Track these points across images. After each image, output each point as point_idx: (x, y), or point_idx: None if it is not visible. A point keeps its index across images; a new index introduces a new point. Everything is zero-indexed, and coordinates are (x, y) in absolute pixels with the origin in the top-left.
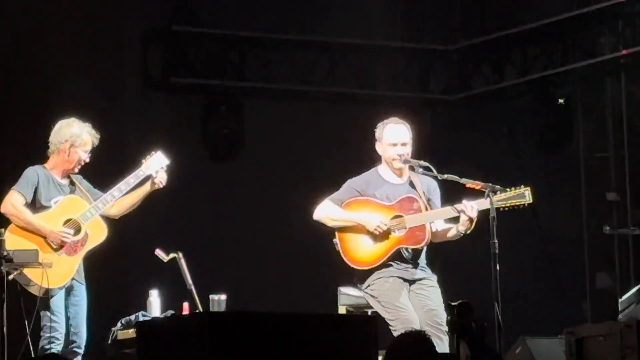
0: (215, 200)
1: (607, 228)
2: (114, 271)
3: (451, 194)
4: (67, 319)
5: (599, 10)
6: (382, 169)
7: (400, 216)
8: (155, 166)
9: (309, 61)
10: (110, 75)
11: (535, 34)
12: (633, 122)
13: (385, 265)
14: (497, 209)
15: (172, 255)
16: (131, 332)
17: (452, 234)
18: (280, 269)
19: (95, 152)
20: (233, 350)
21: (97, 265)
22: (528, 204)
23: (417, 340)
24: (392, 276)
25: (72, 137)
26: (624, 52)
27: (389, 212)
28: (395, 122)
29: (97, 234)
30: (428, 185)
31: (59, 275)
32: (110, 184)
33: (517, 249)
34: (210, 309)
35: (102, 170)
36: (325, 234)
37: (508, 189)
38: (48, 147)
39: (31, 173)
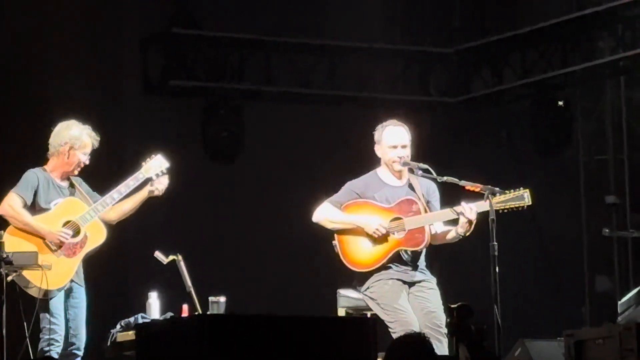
0: (215, 203)
1: (607, 231)
2: (114, 273)
3: (450, 196)
4: (67, 321)
5: (598, 14)
6: (381, 171)
7: (400, 218)
8: (156, 169)
9: (309, 64)
10: (109, 78)
11: (534, 37)
12: (632, 125)
13: (384, 267)
14: (497, 211)
15: (171, 257)
16: (130, 334)
17: (451, 236)
18: (280, 271)
19: (94, 154)
20: (232, 352)
21: (96, 267)
22: (527, 205)
23: (416, 343)
24: (392, 278)
25: (72, 139)
26: None
27: (388, 215)
28: (395, 124)
29: (96, 236)
30: (427, 187)
31: (58, 276)
32: (110, 186)
33: (517, 251)
34: (210, 311)
35: (102, 173)
36: (325, 236)
37: (507, 191)
38: (48, 149)
39: (31, 176)
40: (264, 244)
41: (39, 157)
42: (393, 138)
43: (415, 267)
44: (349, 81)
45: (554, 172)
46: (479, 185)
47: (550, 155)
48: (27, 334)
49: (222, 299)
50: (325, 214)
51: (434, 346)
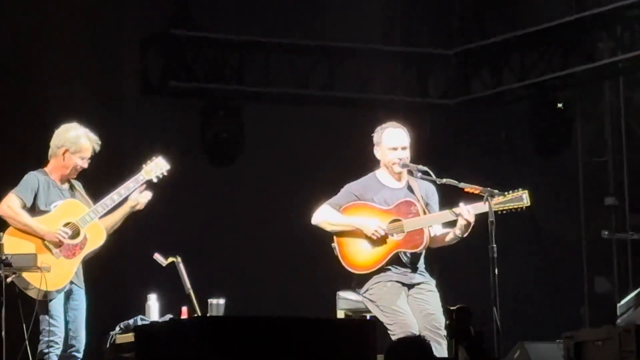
0: (214, 205)
1: (606, 232)
2: (113, 275)
3: (449, 198)
4: (66, 323)
5: (597, 15)
6: (380, 173)
7: (398, 220)
8: (156, 171)
9: (308, 65)
10: (109, 79)
11: (534, 39)
12: (631, 126)
13: (383, 269)
14: (495, 212)
15: (170, 259)
16: (130, 336)
17: (449, 238)
18: (279, 273)
19: (93, 156)
20: (232, 354)
21: (95, 269)
22: (526, 206)
23: (416, 345)
24: (391, 280)
25: (68, 142)
26: None
27: (387, 217)
28: (394, 126)
29: (96, 238)
30: (426, 189)
31: (57, 278)
32: (108, 187)
33: (516, 253)
34: (209, 313)
35: (100, 174)
36: (324, 238)
37: (506, 192)
38: (48, 151)
39: (31, 178)
40: (264, 245)
41: (38, 158)
42: (393, 140)
43: (414, 269)
44: (348, 83)
45: (553, 173)
46: (478, 187)
47: (549, 156)
48: (26, 336)
49: (222, 301)
50: (324, 216)
51: (433, 348)
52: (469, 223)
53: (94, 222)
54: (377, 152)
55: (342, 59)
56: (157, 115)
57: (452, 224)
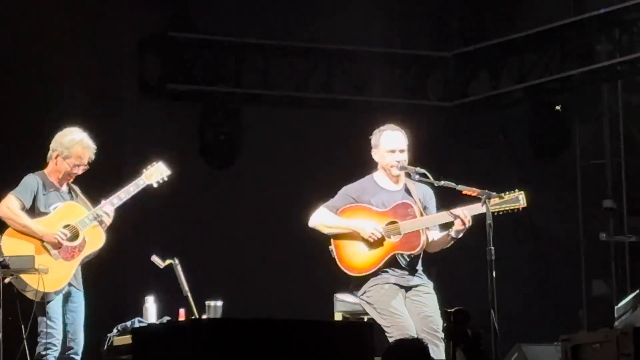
0: (212, 207)
1: (604, 235)
2: (111, 277)
3: (448, 200)
4: (65, 325)
5: (596, 18)
6: (378, 175)
7: (395, 222)
8: (157, 176)
9: (306, 68)
10: (107, 82)
11: (532, 41)
12: (629, 129)
13: (381, 271)
14: (493, 213)
15: (168, 261)
16: (127, 339)
17: (446, 240)
18: (277, 275)
19: (91, 162)
20: (229, 356)
21: (93, 271)
22: (523, 207)
23: (413, 347)
24: (388, 283)
25: (60, 147)
26: None
27: (384, 219)
28: (392, 128)
29: (94, 241)
30: (424, 193)
31: (55, 279)
32: (107, 188)
33: (514, 255)
34: (207, 315)
35: (99, 176)
36: (322, 240)
37: (502, 194)
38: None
39: (30, 180)
40: (261, 247)
41: (38, 159)
42: (391, 142)
43: (412, 272)
44: (347, 85)
45: (551, 176)
46: (476, 189)
47: (547, 159)
48: (24, 338)
49: (219, 303)
50: (321, 218)
51: (431, 351)
52: (464, 225)
53: (93, 225)
54: (375, 155)
55: (340, 62)
56: (156, 117)
57: (448, 226)
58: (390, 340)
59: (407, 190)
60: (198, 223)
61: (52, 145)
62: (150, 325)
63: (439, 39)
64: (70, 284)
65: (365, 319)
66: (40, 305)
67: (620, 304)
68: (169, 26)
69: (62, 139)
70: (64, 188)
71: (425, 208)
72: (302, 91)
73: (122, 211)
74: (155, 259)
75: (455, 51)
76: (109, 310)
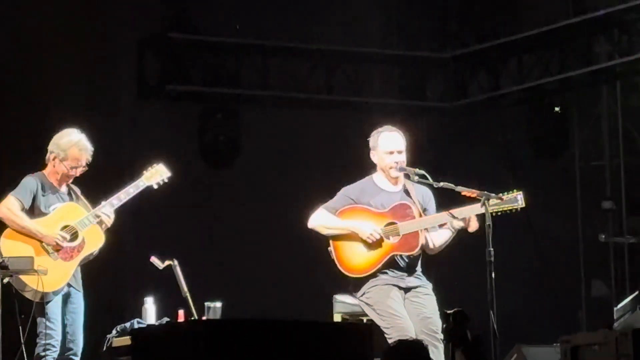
0: (211, 208)
1: (603, 236)
2: (110, 278)
3: (447, 201)
4: (64, 327)
5: (595, 19)
6: (377, 177)
7: (394, 223)
8: (157, 178)
9: (305, 69)
10: (106, 83)
11: (531, 42)
12: (628, 130)
13: (380, 272)
14: (491, 214)
15: (167, 262)
16: (126, 340)
17: (447, 235)
18: (276, 276)
19: (91, 159)
20: (228, 357)
21: (93, 272)
22: (521, 207)
23: (412, 348)
24: (388, 284)
25: (57, 149)
26: None
27: (383, 220)
28: (390, 130)
29: (94, 241)
30: (423, 194)
31: (54, 279)
32: (106, 189)
33: (513, 256)
34: (206, 316)
35: (98, 177)
36: (321, 241)
37: (501, 194)
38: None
39: (30, 180)
40: (261, 248)
41: (37, 160)
42: (389, 144)
43: (411, 273)
44: (346, 86)
45: (550, 177)
46: (475, 190)
47: (546, 160)
48: (22, 339)
49: (219, 304)
50: (320, 219)
51: (430, 352)
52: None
53: (92, 225)
54: (374, 156)
55: (339, 63)
56: (155, 118)
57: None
58: (390, 341)
59: (406, 192)
60: (197, 224)
61: (50, 147)
62: (149, 326)
63: (438, 40)
64: (69, 285)
65: (365, 320)
66: (40, 306)
67: (619, 305)
68: (168, 27)
69: (59, 140)
70: (64, 189)
71: (425, 210)
72: (301, 92)
73: (121, 212)
74: (154, 260)
75: (455, 52)
76: (108, 311)
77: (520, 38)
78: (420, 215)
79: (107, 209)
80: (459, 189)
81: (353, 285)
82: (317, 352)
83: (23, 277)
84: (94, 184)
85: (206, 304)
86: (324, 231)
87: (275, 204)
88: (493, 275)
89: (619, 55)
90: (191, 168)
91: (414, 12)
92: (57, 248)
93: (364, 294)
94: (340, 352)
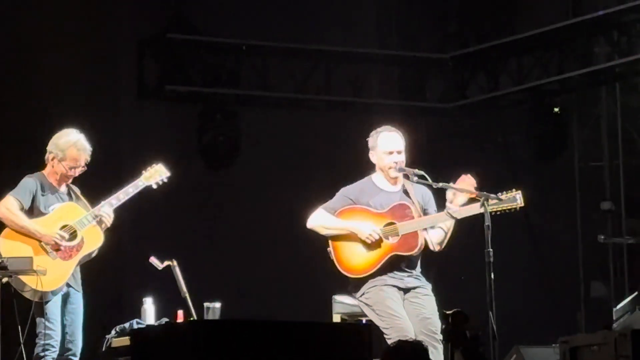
0: (211, 208)
1: (602, 237)
2: (109, 278)
3: (445, 202)
4: (63, 327)
5: (594, 20)
6: (376, 177)
7: (393, 223)
8: (156, 178)
9: (305, 69)
10: (105, 83)
11: (530, 43)
12: (628, 131)
13: (379, 273)
14: (490, 213)
15: (166, 263)
16: (125, 340)
17: (442, 231)
18: (275, 276)
19: (90, 159)
20: (227, 358)
21: (92, 273)
22: (520, 207)
23: (412, 349)
24: (387, 284)
25: (56, 149)
26: None
27: (382, 220)
28: (389, 130)
29: (93, 241)
30: (422, 194)
31: (53, 279)
32: (105, 189)
33: (512, 257)
34: (205, 317)
35: (97, 178)
36: (320, 242)
37: (500, 193)
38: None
39: (29, 180)
40: (260, 249)
41: (36, 160)
42: (388, 144)
43: (410, 273)
44: (345, 87)
45: (549, 177)
46: (474, 191)
47: (546, 160)
48: (21, 339)
49: (218, 304)
50: (319, 220)
51: (430, 353)
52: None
53: (91, 225)
54: (373, 157)
55: (338, 63)
56: (154, 118)
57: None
58: (389, 341)
59: (405, 192)
60: (196, 224)
61: (49, 147)
62: (148, 326)
63: (437, 41)
64: (69, 285)
65: (364, 321)
66: (39, 306)
67: (618, 306)
68: (167, 28)
69: (57, 141)
70: (63, 189)
71: (425, 211)
72: (300, 93)
73: (120, 212)
74: (153, 260)
75: (454, 53)
76: (107, 311)
77: (520, 39)
78: (420, 216)
79: (107, 209)
80: (458, 189)
81: (352, 285)
82: (316, 352)
83: (22, 277)
84: (94, 183)
85: (205, 304)
86: (323, 231)
87: (275, 205)
88: (492, 276)
89: (618, 56)
90: (190, 168)
91: (414, 13)
92: (56, 247)
93: (363, 294)
94: (339, 353)
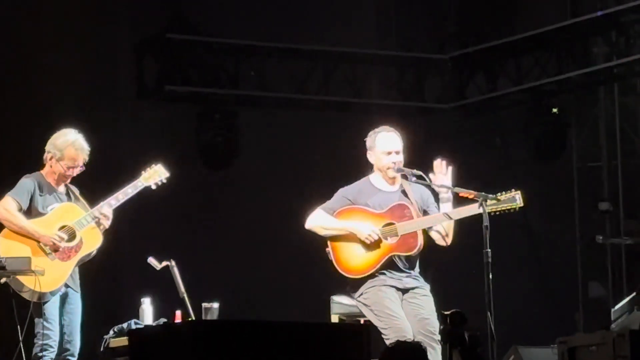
0: (209, 208)
1: (600, 238)
2: (107, 279)
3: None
4: (62, 327)
5: (592, 20)
6: (374, 177)
7: (392, 224)
8: (155, 178)
9: (304, 70)
10: (105, 84)
11: (529, 44)
12: (626, 132)
13: (378, 273)
14: (489, 213)
15: (165, 263)
16: (123, 340)
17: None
18: (273, 277)
19: (89, 159)
20: (225, 358)
21: (90, 273)
22: (519, 207)
23: (410, 349)
24: (385, 285)
25: (54, 149)
26: None
27: (381, 220)
28: (387, 130)
29: (91, 241)
30: (421, 194)
31: (51, 279)
32: (104, 189)
33: (510, 258)
34: (203, 317)
35: (96, 178)
36: (318, 242)
37: (499, 193)
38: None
39: (27, 181)
40: (258, 249)
41: (35, 161)
42: (387, 144)
43: (409, 274)
44: (344, 87)
45: (548, 178)
46: (472, 191)
47: (544, 161)
48: (20, 339)
49: (216, 304)
50: (318, 220)
51: (428, 353)
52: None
53: (90, 225)
54: (371, 157)
55: (337, 64)
56: (153, 119)
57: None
58: (387, 342)
59: (404, 192)
60: (195, 225)
61: (47, 147)
62: (146, 327)
63: (436, 42)
64: (67, 286)
65: (362, 321)
66: (37, 307)
67: (616, 307)
68: (166, 28)
69: (55, 140)
70: (62, 189)
71: (425, 211)
72: (299, 93)
73: (119, 213)
74: (151, 260)
75: (453, 53)
76: (105, 311)
77: (518, 39)
78: (418, 216)
79: (106, 209)
80: (456, 190)
81: (351, 286)
82: (314, 353)
83: (20, 278)
84: (93, 184)
85: (203, 304)
86: (322, 232)
87: (273, 205)
88: (490, 276)
89: (617, 57)
90: (189, 169)
91: (412, 13)
92: (55, 248)
93: (361, 294)
94: (337, 353)
